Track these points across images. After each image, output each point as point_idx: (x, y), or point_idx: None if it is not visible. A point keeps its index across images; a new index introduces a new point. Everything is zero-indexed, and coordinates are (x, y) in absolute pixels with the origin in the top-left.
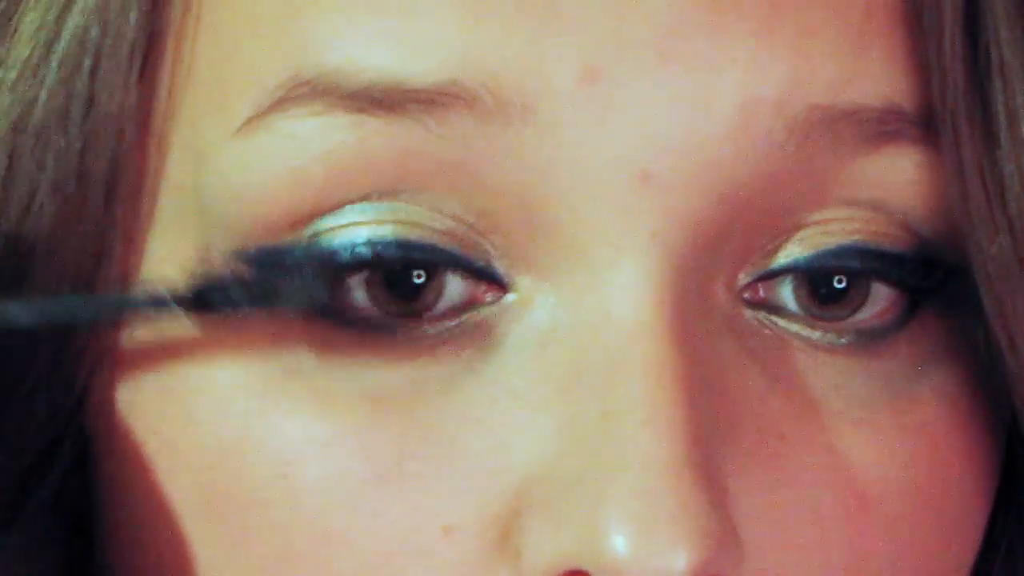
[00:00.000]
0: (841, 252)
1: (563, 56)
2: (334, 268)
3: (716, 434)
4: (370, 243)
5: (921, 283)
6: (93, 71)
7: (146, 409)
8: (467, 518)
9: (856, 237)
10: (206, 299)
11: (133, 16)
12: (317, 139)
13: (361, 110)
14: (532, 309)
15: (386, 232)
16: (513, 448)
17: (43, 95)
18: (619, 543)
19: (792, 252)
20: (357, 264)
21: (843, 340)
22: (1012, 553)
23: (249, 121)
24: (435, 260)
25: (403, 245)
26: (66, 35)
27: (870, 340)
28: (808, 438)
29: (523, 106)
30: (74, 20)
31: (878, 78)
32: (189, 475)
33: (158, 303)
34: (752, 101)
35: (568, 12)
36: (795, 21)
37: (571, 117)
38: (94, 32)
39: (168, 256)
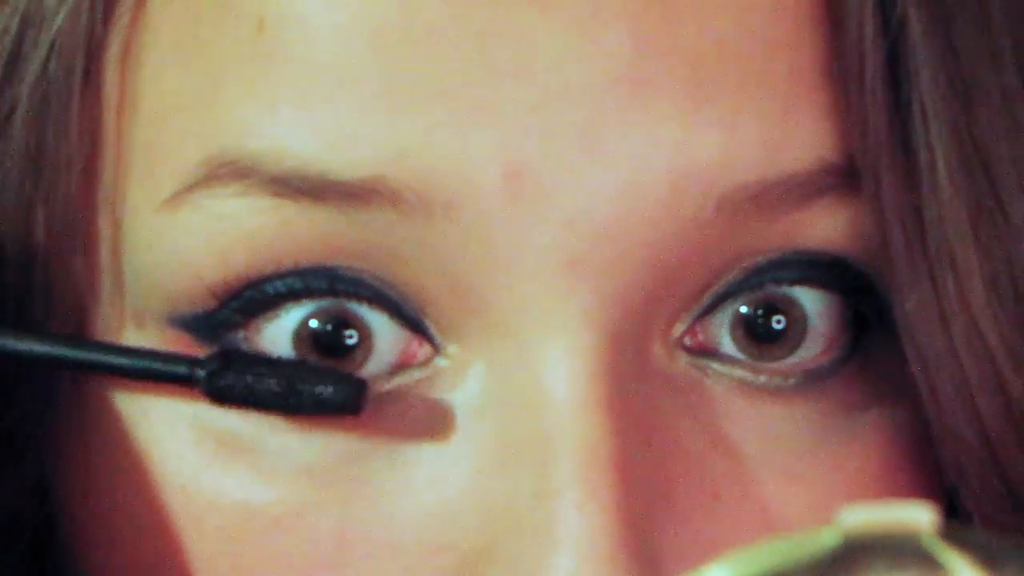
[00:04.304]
0: (771, 266)
1: (486, 153)
2: (269, 303)
3: (651, 503)
4: (300, 275)
5: (856, 290)
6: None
7: (98, 471)
8: None
9: (786, 251)
10: (225, 389)
11: (76, 97)
12: (239, 220)
13: (282, 195)
14: (465, 378)
15: (317, 269)
16: (454, 527)
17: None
18: None
19: (724, 281)
20: (288, 295)
21: (790, 382)
22: None
23: (174, 196)
24: (360, 294)
25: (331, 277)
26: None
27: (816, 380)
28: (743, 497)
29: (447, 204)
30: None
31: (807, 140)
32: (142, 539)
33: (177, 375)
34: (680, 184)
35: (491, 108)
36: (719, 95)
37: (495, 215)
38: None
39: (114, 315)
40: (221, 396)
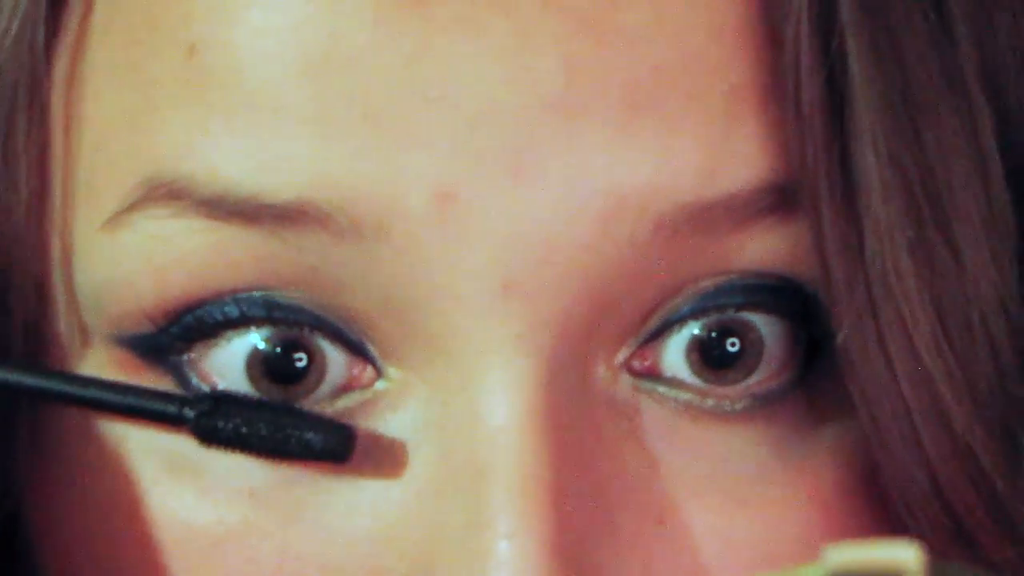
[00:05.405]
0: (717, 291)
1: (416, 177)
2: (207, 331)
3: (591, 530)
4: (236, 301)
5: (805, 314)
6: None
7: (51, 483)
8: None
9: (734, 276)
10: (213, 431)
11: (23, 119)
12: (175, 241)
13: (216, 217)
14: (406, 402)
15: (255, 296)
16: (393, 552)
17: None
18: None
19: (671, 306)
20: (226, 323)
21: (738, 406)
22: None
23: (114, 217)
24: (300, 321)
25: (268, 304)
26: None
27: (765, 404)
28: (687, 522)
29: (377, 226)
30: None
31: (747, 160)
32: (91, 552)
33: (165, 414)
34: (613, 207)
35: (421, 132)
36: (655, 119)
37: (426, 236)
38: None
39: (65, 334)
40: (209, 438)
